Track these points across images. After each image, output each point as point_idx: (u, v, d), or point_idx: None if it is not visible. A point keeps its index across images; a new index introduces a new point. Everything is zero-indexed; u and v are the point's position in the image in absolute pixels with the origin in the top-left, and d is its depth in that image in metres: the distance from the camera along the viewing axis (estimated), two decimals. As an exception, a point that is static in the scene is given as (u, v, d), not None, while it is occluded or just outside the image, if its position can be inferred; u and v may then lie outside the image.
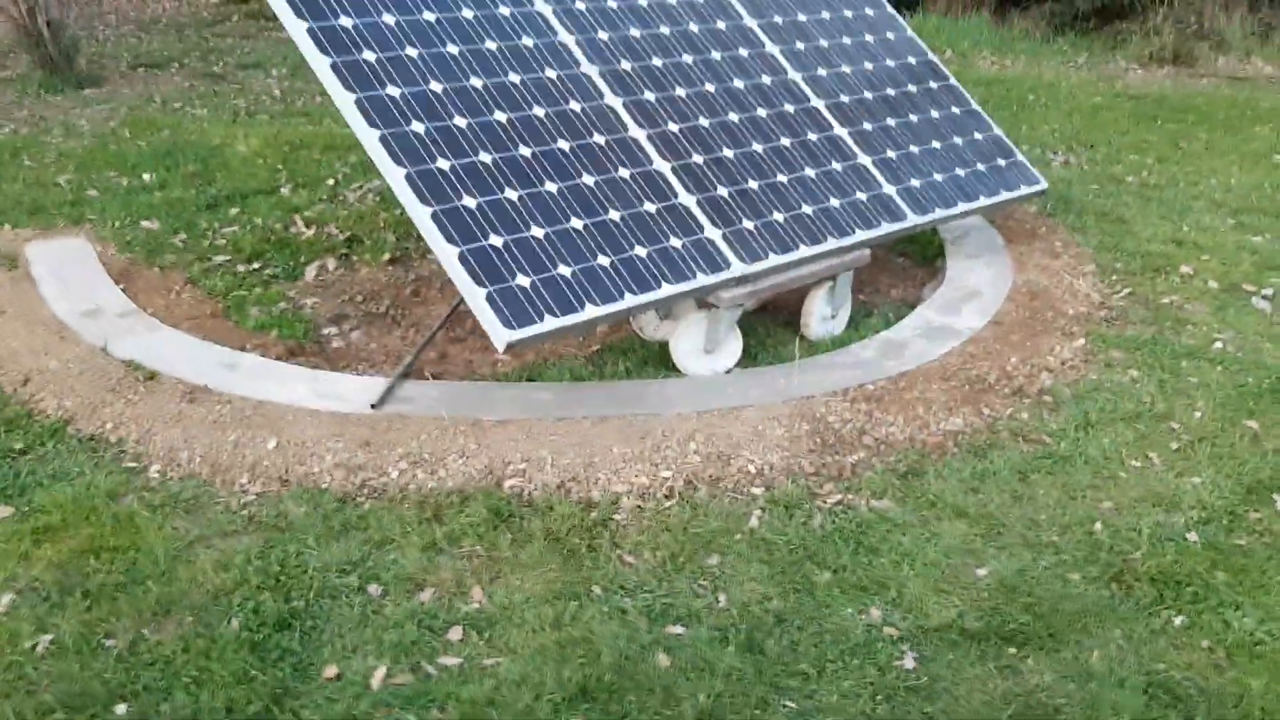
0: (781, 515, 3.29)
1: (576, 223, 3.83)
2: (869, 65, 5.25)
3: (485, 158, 3.85)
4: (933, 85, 5.40)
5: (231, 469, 3.43)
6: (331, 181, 6.05)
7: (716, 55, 4.77)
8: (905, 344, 4.38)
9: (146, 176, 5.94)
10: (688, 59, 4.66)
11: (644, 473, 3.45)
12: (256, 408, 3.72)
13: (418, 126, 3.80)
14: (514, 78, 4.15)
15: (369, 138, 3.70)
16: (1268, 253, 5.47)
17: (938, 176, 4.91)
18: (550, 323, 3.54)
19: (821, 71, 5.04)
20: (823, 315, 4.42)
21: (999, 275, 5.04)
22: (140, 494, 3.28)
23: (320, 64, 3.80)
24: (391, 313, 4.58)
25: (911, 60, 5.46)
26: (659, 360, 4.17)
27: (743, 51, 4.87)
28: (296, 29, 3.86)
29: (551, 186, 3.89)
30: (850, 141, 4.79)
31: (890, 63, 5.36)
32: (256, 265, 4.95)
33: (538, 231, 3.74)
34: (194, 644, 2.67)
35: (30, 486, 3.30)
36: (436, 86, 3.95)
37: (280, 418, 3.66)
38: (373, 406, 3.73)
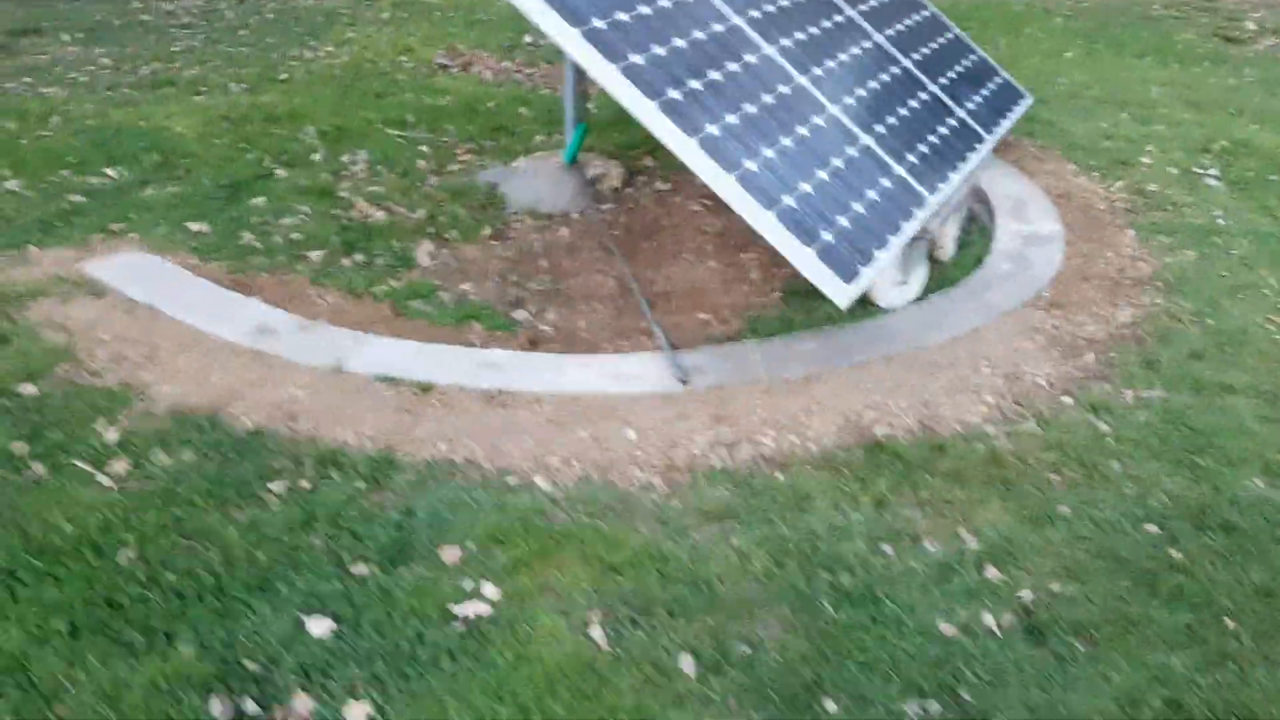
0: (1111, 417, 3.69)
1: (822, 174, 3.95)
2: (883, -2, 5.61)
3: (731, 119, 3.86)
4: (925, 14, 5.84)
5: (613, 466, 3.33)
6: (317, 156, 5.57)
7: (799, -2, 4.94)
8: (1022, 254, 4.86)
9: (110, 173, 5.18)
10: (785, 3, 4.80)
11: (975, 401, 3.73)
12: (574, 401, 3.59)
13: (713, 129, 3.75)
14: (732, 66, 4.14)
15: (686, 145, 3.62)
16: (1181, 139, 6.44)
17: (978, 99, 5.40)
18: (865, 274, 3.69)
19: (864, 5, 5.33)
20: (954, 237, 4.80)
21: (1019, 182, 5.64)
22: (564, 507, 3.13)
23: (606, 71, 3.66)
24: (559, 288, 4.44)
25: (901, -9, 5.87)
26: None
27: (811, -7, 5.07)
28: (568, 35, 3.68)
29: (787, 141, 3.97)
30: (918, 72, 5.15)
31: (892, -5, 5.74)
32: (360, 257, 4.56)
33: (805, 187, 3.83)
34: (827, 638, 2.70)
35: (440, 524, 3.04)
36: (695, 84, 3.89)
37: (610, 408, 3.56)
38: (683, 383, 3.70)
